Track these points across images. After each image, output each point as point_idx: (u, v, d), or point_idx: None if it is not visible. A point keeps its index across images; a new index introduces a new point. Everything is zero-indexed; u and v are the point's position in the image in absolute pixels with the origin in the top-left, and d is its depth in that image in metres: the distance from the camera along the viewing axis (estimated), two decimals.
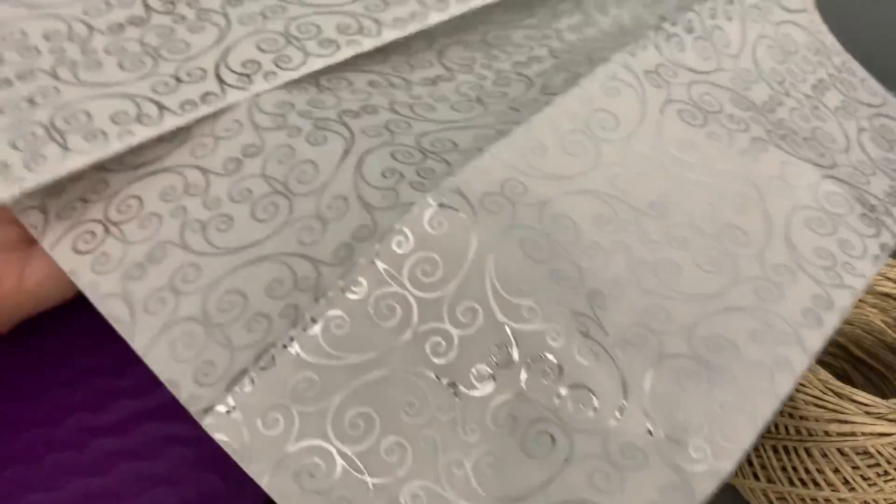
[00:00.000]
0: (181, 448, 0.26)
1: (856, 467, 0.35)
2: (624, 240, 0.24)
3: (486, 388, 0.22)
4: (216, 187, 0.24)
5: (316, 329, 0.21)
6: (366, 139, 0.25)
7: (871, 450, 0.34)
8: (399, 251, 0.22)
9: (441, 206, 0.22)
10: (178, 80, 0.25)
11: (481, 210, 0.23)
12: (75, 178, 0.24)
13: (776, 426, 0.37)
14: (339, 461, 0.20)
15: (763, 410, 0.22)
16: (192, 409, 0.21)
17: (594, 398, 0.22)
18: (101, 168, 0.25)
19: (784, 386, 0.23)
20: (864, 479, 0.35)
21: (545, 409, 0.22)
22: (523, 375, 0.22)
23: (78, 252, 0.24)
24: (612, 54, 0.27)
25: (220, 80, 0.26)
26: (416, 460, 0.21)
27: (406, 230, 0.22)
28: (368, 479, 0.20)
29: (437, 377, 0.21)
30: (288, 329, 0.21)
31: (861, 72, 0.34)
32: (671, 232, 0.25)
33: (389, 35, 0.28)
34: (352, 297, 0.21)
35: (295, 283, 0.22)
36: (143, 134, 0.24)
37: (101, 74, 0.25)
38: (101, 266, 0.23)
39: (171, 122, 0.24)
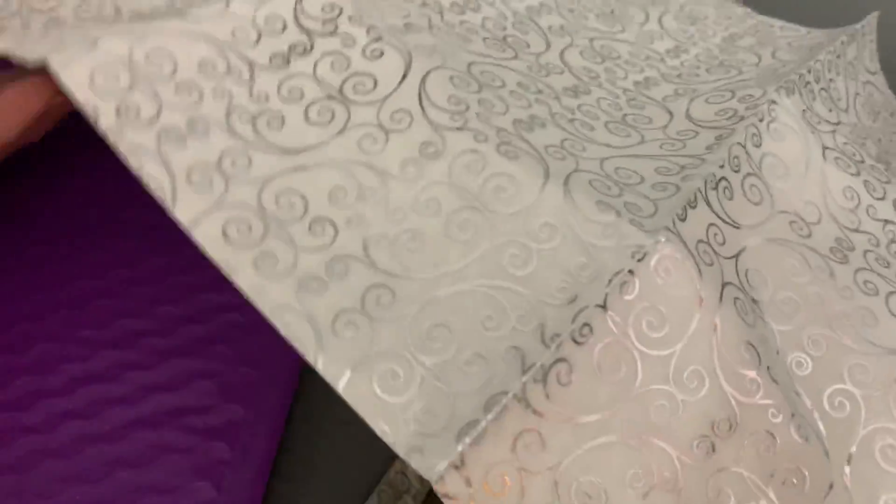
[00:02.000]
0: (175, 456, 0.25)
1: None
2: (819, 291, 0.23)
3: (702, 457, 0.19)
4: (396, 193, 0.20)
5: (550, 378, 0.18)
6: (558, 164, 0.22)
7: None
8: (626, 298, 0.19)
9: (669, 251, 0.20)
10: None
11: (699, 261, 0.20)
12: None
13: None
14: None
15: None
16: (415, 463, 0.17)
17: (806, 477, 0.20)
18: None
19: None
20: None
21: (761, 484, 0.20)
22: (742, 450, 0.20)
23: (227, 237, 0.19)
24: (762, 92, 0.26)
25: None
26: None
27: (634, 274, 0.19)
28: None
29: (660, 444, 0.19)
30: (518, 376, 0.18)
31: None
32: (857, 278, 0.24)
33: None
34: (578, 346, 0.18)
35: (514, 322, 0.19)
36: None
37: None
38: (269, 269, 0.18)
39: None
